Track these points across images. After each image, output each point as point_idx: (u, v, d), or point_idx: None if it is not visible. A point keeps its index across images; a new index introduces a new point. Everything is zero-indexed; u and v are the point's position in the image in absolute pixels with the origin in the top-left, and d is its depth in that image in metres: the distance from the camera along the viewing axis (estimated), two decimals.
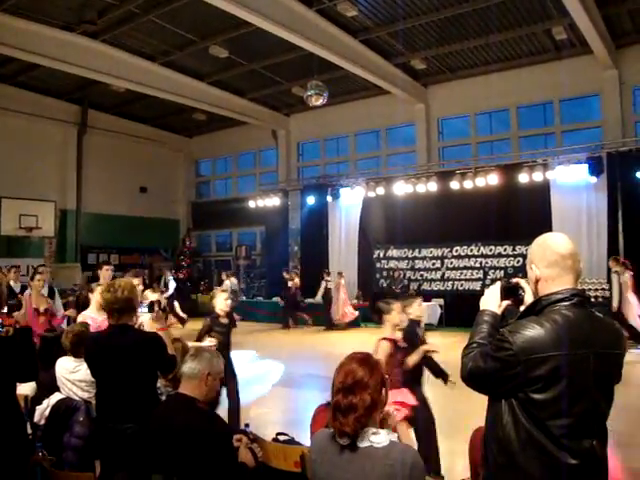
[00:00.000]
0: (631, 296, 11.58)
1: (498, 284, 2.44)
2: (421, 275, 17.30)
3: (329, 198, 18.87)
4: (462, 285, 16.58)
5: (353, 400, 2.21)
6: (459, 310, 15.08)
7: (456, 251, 16.70)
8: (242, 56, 16.70)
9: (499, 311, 2.39)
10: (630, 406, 7.27)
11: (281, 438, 4.22)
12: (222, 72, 17.99)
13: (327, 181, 19.59)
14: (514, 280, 2.46)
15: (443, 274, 16.92)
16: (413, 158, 19.54)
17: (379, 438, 2.19)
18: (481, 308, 2.42)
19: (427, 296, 16.60)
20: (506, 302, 2.41)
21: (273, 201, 20.03)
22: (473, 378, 2.24)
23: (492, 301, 2.40)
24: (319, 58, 15.32)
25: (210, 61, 16.88)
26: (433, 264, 17.13)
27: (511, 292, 2.42)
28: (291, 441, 4.19)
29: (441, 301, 16.47)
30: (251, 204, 20.55)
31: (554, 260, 2.22)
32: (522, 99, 17.61)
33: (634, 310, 11.47)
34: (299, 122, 22.15)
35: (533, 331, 2.09)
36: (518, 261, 15.38)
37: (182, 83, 17.92)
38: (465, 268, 16.56)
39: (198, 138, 25.26)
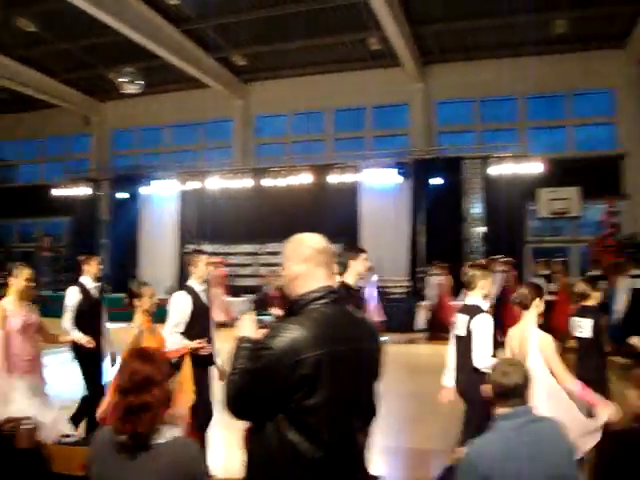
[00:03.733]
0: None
1: (247, 316, 2.29)
2: (234, 271, 17.34)
3: (141, 190, 18.35)
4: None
5: (147, 399, 2.12)
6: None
7: (267, 248, 16.96)
8: (53, 33, 15.63)
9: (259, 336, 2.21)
10: (418, 391, 7.86)
11: (67, 440, 4.03)
12: (30, 48, 16.66)
13: (141, 172, 18.97)
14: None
15: (256, 270, 17.10)
16: (230, 153, 19.60)
17: (162, 434, 2.14)
18: (238, 336, 2.24)
19: (239, 292, 16.75)
20: (263, 330, 2.24)
21: (83, 190, 19.05)
22: (239, 405, 2.08)
23: (248, 330, 2.24)
24: (137, 44, 14.84)
25: (16, 34, 15.48)
26: (246, 260, 17.29)
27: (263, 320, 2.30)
28: (78, 443, 4.01)
29: (253, 297, 16.63)
30: (59, 192, 19.33)
31: (309, 255, 2.21)
32: (339, 103, 18.37)
33: None
34: (115, 110, 21.17)
35: (294, 332, 2.00)
36: None
37: None
38: (277, 265, 16.83)
39: None
